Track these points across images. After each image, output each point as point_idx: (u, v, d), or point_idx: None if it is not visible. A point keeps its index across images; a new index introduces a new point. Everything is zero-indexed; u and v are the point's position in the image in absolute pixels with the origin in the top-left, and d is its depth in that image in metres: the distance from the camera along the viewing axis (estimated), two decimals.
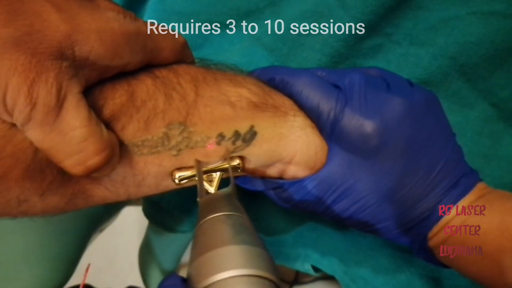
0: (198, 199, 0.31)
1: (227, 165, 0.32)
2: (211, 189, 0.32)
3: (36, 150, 0.27)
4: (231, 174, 0.31)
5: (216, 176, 0.32)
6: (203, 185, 0.31)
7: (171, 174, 0.31)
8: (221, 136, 0.31)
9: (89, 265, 0.53)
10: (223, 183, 0.32)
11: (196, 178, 0.31)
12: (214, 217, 0.27)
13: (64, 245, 0.55)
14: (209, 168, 0.32)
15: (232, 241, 0.24)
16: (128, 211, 0.73)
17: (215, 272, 0.22)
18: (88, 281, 0.57)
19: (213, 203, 0.29)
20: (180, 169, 0.31)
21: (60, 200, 0.29)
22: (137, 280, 0.87)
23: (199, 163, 0.31)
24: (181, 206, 0.49)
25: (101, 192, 0.30)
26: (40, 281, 0.52)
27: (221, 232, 0.25)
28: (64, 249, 0.55)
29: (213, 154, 0.31)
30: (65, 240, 0.55)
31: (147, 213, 0.54)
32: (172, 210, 0.50)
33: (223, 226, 0.26)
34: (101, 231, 0.66)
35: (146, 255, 0.83)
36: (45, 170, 0.28)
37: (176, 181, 0.31)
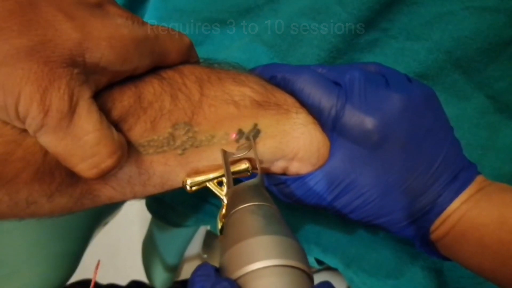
0: (226, 190, 0.31)
1: (251, 156, 0.32)
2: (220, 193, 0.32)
3: (46, 153, 0.27)
4: (258, 165, 0.31)
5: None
6: (231, 175, 0.31)
7: (182, 182, 0.31)
8: (226, 135, 0.31)
9: (98, 261, 0.53)
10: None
11: (203, 176, 0.31)
12: (244, 207, 0.27)
13: (67, 241, 0.55)
14: (235, 158, 0.32)
15: (264, 231, 0.24)
16: (131, 205, 0.73)
17: (248, 262, 0.23)
18: (91, 275, 0.57)
19: (242, 193, 0.28)
20: (190, 175, 0.31)
21: (68, 201, 0.30)
22: (141, 274, 0.87)
23: (225, 153, 0.31)
24: (185, 201, 0.49)
25: (108, 192, 0.31)
26: (44, 277, 0.52)
27: (252, 223, 0.25)
28: (67, 245, 0.55)
29: (235, 144, 0.32)
30: (68, 236, 0.55)
31: (150, 208, 0.54)
32: (175, 205, 0.50)
33: (254, 217, 0.26)
34: (104, 224, 0.66)
35: (149, 249, 0.83)
36: (54, 172, 0.28)
37: (188, 187, 0.31)
